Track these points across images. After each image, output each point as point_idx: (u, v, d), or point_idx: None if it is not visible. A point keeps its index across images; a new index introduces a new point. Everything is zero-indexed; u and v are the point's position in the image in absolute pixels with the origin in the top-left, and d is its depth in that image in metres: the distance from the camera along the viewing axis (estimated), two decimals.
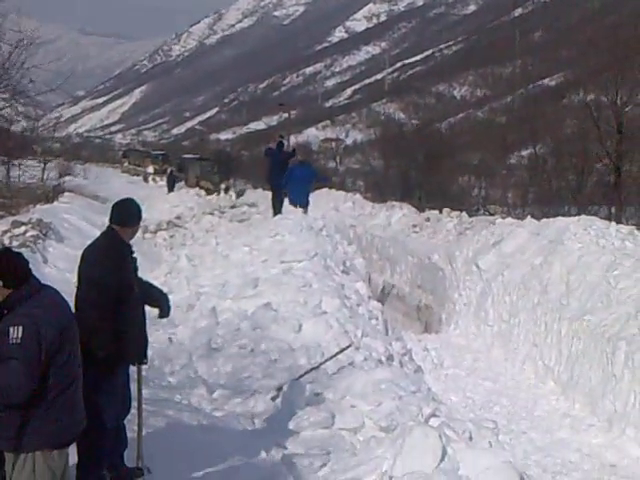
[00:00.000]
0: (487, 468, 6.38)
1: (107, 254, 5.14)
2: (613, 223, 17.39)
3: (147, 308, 5.70)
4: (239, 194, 40.20)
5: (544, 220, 18.71)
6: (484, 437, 7.28)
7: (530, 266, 16.24)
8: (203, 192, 38.77)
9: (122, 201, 5.54)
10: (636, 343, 11.88)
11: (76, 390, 4.06)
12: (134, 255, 5.46)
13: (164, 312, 5.77)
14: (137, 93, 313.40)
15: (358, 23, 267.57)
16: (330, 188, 32.88)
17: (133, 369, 5.56)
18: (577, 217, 18.23)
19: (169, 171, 48.30)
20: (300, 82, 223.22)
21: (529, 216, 21.55)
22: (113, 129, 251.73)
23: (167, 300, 5.79)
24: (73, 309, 4.54)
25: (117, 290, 5.02)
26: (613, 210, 33.95)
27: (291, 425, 7.45)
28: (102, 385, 4.95)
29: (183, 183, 45.08)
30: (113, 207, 5.46)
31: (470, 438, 7.18)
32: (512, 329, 15.91)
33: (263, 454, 6.61)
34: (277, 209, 18.75)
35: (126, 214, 5.39)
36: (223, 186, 44.59)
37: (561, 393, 13.51)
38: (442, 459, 6.41)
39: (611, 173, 36.69)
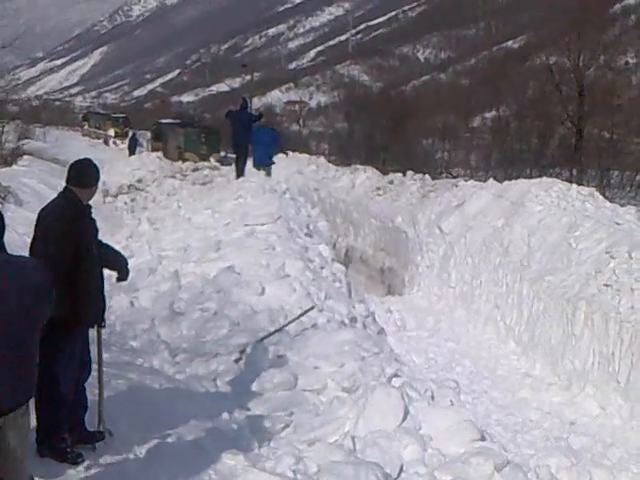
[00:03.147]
0: (448, 427, 6.47)
1: (64, 214, 5.02)
2: (574, 185, 17.55)
3: (106, 271, 5.62)
4: (222, 162, 33.16)
5: (506, 182, 18.83)
6: (445, 396, 7.36)
7: (492, 228, 16.36)
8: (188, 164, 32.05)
9: (79, 161, 5.41)
10: (596, 303, 12.06)
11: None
12: (92, 216, 5.36)
13: (122, 275, 5.68)
14: (97, 55, 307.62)
15: None
16: (293, 151, 32.69)
17: (93, 333, 5.48)
18: (538, 179, 18.38)
19: (130, 134, 47.57)
20: (263, 43, 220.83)
21: (491, 178, 21.67)
22: (73, 91, 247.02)
23: (125, 263, 5.71)
24: None
25: (73, 250, 4.93)
26: (574, 172, 34.31)
27: (254, 387, 7.46)
28: (59, 348, 4.88)
29: (161, 153, 36.68)
30: (70, 168, 5.33)
31: (432, 397, 7.25)
32: (474, 290, 16.06)
33: (226, 415, 6.61)
34: (240, 171, 18.61)
35: (83, 174, 5.27)
36: (213, 160, 35.31)
37: (522, 353, 13.70)
38: (404, 418, 6.48)
39: (573, 136, 37.03)
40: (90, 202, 5.39)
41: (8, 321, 3.58)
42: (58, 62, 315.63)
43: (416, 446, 6.23)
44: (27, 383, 3.74)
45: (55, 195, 5.34)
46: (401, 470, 6.02)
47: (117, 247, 6.86)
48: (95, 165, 5.39)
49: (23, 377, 3.69)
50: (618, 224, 13.99)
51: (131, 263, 8.64)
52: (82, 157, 5.66)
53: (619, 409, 10.86)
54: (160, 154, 34.80)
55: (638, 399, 10.62)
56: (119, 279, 5.76)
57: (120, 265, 5.66)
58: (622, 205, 17.22)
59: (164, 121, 46.36)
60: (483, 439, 6.61)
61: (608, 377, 11.33)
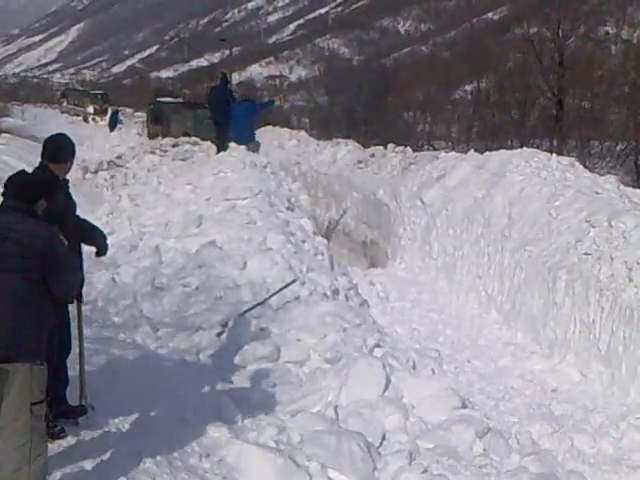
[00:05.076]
0: (430, 395, 6.53)
1: None
2: (554, 155, 17.58)
3: (85, 247, 5.59)
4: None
5: (487, 153, 18.81)
6: (427, 366, 7.42)
7: (473, 199, 16.39)
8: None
9: (54, 137, 5.37)
10: (576, 272, 12.15)
11: None
12: (69, 191, 5.32)
13: (101, 250, 5.64)
14: (74, 31, 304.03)
15: None
16: (274, 126, 32.57)
17: (73, 308, 5.45)
18: (519, 150, 18.38)
19: (111, 111, 47.12)
20: (242, 17, 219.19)
21: (472, 150, 21.66)
22: (51, 68, 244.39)
23: (104, 238, 5.67)
24: None
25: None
26: (555, 143, 34.40)
27: (237, 360, 7.47)
28: None
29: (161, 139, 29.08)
30: (45, 143, 5.29)
31: (414, 367, 7.31)
32: (456, 261, 16.12)
33: (209, 389, 6.63)
34: (220, 146, 18.52)
35: (59, 150, 5.23)
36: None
37: (504, 322, 13.79)
38: (386, 388, 6.53)
39: (553, 106, 37.09)
40: (69, 178, 5.36)
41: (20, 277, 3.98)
42: (35, 39, 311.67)
43: (398, 415, 6.28)
44: (34, 341, 4.02)
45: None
46: (383, 439, 6.08)
47: (97, 224, 6.83)
48: (70, 140, 5.35)
49: (30, 334, 3.99)
50: (598, 193, 14.06)
51: (112, 239, 8.62)
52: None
53: (600, 376, 10.98)
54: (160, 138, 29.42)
55: (618, 365, 10.73)
56: (98, 254, 5.72)
57: (98, 240, 5.62)
58: (602, 175, 17.31)
59: (163, 100, 37.90)
60: (464, 407, 6.67)
61: (589, 344, 11.44)
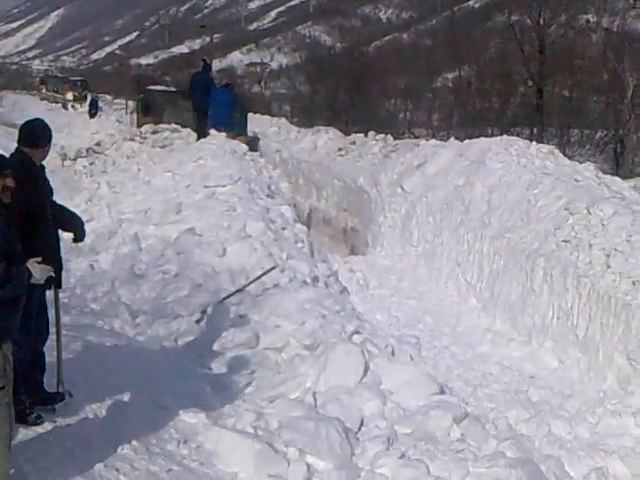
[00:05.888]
0: (408, 381, 6.56)
1: (17, 175, 4.94)
2: (534, 143, 17.65)
3: (63, 234, 5.54)
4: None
5: (467, 141, 18.85)
6: (406, 352, 7.44)
7: (453, 187, 16.43)
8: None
9: (30, 122, 5.31)
10: (554, 259, 12.23)
11: None
12: (46, 177, 5.27)
13: (78, 236, 5.59)
14: (53, 17, 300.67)
15: None
16: (255, 113, 32.46)
17: (50, 295, 5.42)
18: (499, 137, 18.44)
19: (90, 98, 46.71)
20: (223, 4, 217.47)
21: (452, 138, 21.69)
22: (29, 55, 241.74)
23: (81, 224, 5.62)
24: None
25: (27, 212, 4.85)
26: (535, 131, 34.54)
27: (215, 346, 7.46)
28: None
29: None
30: (21, 128, 5.24)
31: (392, 353, 7.33)
32: (436, 249, 16.17)
33: (187, 375, 6.62)
34: (200, 133, 18.46)
35: (35, 134, 5.18)
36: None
37: (482, 309, 13.87)
38: (364, 374, 6.55)
39: (534, 95, 37.23)
40: (49, 166, 5.32)
41: None
42: (14, 25, 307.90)
43: (376, 401, 6.31)
44: None
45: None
46: (362, 424, 6.10)
47: (76, 211, 6.77)
48: (47, 125, 5.30)
49: None
50: (577, 181, 14.14)
51: (91, 227, 8.56)
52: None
53: (577, 362, 11.09)
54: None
55: (595, 352, 10.83)
56: (75, 240, 5.68)
57: (76, 226, 5.58)
58: (581, 162, 17.41)
59: (155, 88, 35.09)
60: (442, 392, 6.71)
61: (567, 331, 11.54)
